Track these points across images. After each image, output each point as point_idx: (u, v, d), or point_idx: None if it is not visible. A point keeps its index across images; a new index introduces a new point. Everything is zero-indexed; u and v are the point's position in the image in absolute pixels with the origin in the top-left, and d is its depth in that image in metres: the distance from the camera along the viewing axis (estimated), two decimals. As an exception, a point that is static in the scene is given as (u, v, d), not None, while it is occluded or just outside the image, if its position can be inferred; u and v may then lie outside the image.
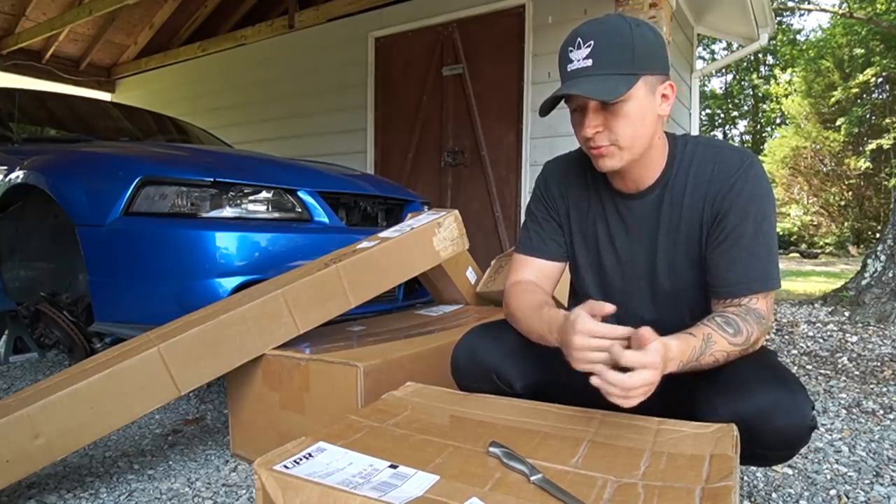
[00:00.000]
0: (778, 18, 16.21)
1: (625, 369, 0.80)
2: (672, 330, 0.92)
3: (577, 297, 1.23)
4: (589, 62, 0.93)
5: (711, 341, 0.91)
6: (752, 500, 1.31)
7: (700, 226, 1.02)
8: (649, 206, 1.06)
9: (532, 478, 0.73)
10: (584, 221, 1.15)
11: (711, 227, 1.01)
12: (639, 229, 1.08)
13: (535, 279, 1.17)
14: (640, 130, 0.97)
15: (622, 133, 0.96)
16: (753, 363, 0.96)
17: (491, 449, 0.81)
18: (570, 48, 0.96)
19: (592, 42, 0.93)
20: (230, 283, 1.77)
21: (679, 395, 1.01)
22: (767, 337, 2.89)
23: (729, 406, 0.90)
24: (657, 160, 1.04)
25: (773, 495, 1.33)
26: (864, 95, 13.88)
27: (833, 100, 14.10)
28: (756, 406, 0.88)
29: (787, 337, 2.91)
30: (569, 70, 0.96)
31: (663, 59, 0.99)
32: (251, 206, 1.94)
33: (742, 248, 0.98)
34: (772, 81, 18.83)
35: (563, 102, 1.01)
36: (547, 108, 1.00)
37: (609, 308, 0.87)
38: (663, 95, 0.99)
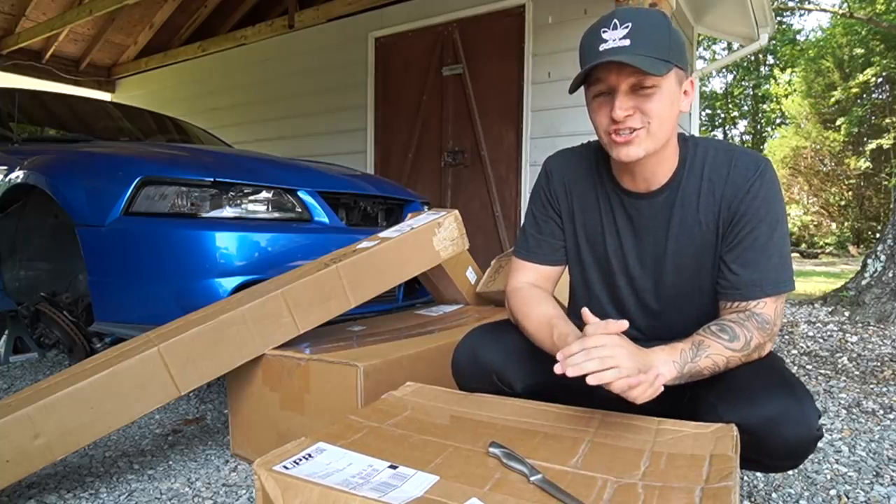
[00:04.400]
0: (778, 18, 16.18)
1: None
2: (674, 332, 0.92)
3: (577, 297, 1.22)
4: (627, 42, 0.90)
5: (704, 345, 0.91)
6: (752, 500, 1.31)
7: (716, 228, 1.01)
8: (659, 207, 1.05)
9: (532, 478, 0.73)
10: (590, 219, 1.13)
11: (727, 231, 1.00)
12: (647, 230, 1.07)
13: (536, 282, 1.16)
14: (668, 117, 0.96)
15: (654, 115, 0.94)
16: (759, 369, 0.94)
17: (491, 449, 0.81)
18: (605, 29, 0.93)
19: (630, 24, 0.91)
20: (230, 283, 1.77)
21: (681, 402, 1.00)
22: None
23: (733, 414, 0.88)
24: (670, 159, 1.03)
25: (773, 495, 1.33)
26: (864, 95, 13.86)
27: (833, 100, 14.09)
28: (762, 415, 0.86)
29: (787, 337, 2.91)
30: (601, 49, 0.92)
31: (687, 55, 0.99)
32: (251, 206, 1.94)
33: (755, 252, 0.98)
34: (772, 81, 18.81)
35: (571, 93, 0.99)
36: (577, 84, 0.98)
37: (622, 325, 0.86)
38: (685, 91, 0.99)
